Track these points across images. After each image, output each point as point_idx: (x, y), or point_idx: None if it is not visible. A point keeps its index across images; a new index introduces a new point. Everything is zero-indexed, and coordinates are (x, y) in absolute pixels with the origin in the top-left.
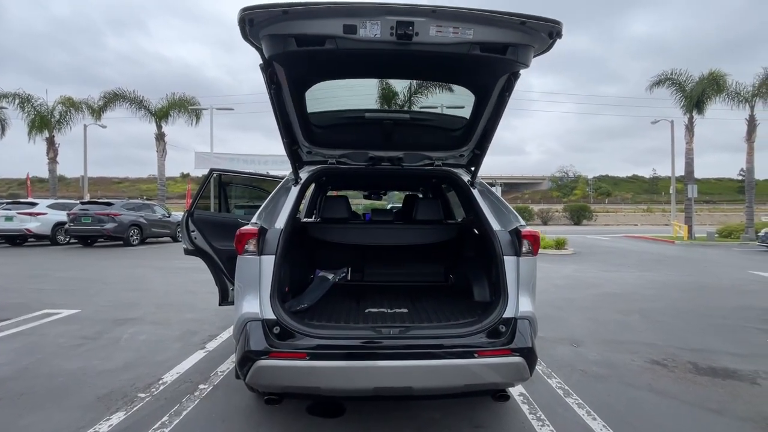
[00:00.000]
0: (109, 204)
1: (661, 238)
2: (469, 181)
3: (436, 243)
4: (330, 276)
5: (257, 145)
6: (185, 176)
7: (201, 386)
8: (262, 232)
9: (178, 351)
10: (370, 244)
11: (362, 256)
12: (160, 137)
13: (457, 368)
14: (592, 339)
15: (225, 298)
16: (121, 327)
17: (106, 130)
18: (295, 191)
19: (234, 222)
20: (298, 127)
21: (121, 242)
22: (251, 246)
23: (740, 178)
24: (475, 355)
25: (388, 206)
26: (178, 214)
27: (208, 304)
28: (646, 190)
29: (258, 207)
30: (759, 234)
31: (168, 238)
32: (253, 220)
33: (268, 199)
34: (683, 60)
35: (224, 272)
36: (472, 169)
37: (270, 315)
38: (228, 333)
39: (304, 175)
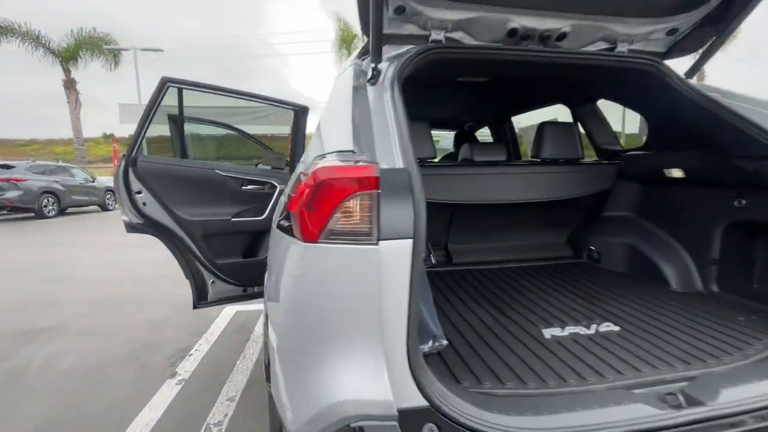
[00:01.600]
0: (8, 167)
1: None
2: (684, 80)
3: (578, 197)
4: None
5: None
6: (108, 136)
7: None
8: (380, 183)
9: (133, 386)
10: (465, 203)
11: (447, 223)
12: (70, 84)
13: None
14: None
15: (203, 297)
16: (31, 345)
17: (2, 86)
18: (388, 93)
19: (211, 176)
20: None
21: (32, 214)
22: (362, 219)
23: None
24: None
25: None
26: (104, 179)
27: (164, 296)
28: None
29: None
30: None
31: (95, 207)
32: (344, 145)
33: (334, 111)
34: None
35: (198, 256)
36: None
37: (418, 400)
38: (207, 343)
39: (385, 66)
